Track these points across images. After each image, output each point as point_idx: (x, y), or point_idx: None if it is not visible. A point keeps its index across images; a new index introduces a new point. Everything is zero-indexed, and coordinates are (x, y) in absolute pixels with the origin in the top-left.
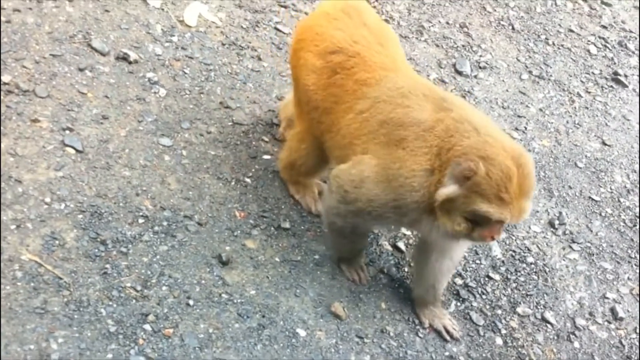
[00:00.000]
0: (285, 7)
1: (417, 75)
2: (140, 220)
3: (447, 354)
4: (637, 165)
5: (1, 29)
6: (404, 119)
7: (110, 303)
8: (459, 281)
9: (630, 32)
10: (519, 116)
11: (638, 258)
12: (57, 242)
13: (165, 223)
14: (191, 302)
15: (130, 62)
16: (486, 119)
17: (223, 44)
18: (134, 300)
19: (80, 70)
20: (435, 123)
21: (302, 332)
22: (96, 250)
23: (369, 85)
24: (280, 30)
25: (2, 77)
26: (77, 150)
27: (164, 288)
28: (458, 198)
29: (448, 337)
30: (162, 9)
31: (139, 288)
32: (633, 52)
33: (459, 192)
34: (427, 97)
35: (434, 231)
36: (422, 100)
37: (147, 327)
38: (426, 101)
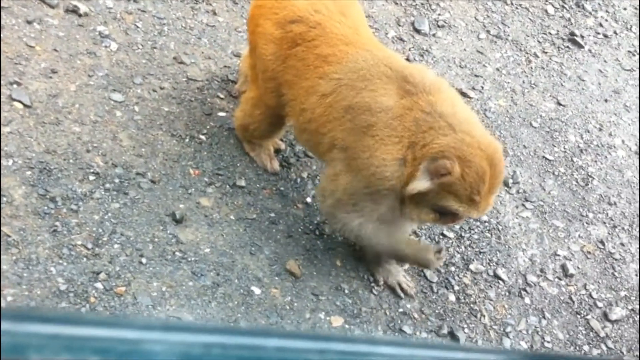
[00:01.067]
0: None
1: (380, 46)
2: (91, 177)
3: (400, 310)
4: (590, 126)
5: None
6: (370, 103)
7: (61, 261)
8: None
9: None
10: (475, 75)
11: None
12: (4, 199)
13: (117, 180)
14: (144, 261)
15: (80, 15)
16: (453, 104)
17: None
18: (84, 259)
19: (28, 22)
20: (402, 111)
21: (257, 290)
22: (45, 207)
23: (330, 64)
24: None
25: None
26: (25, 105)
27: (115, 246)
28: (429, 192)
29: (402, 294)
30: None
31: (90, 246)
32: (590, 13)
33: (431, 187)
34: (389, 78)
35: (404, 216)
36: (386, 83)
37: (99, 285)
38: (390, 83)
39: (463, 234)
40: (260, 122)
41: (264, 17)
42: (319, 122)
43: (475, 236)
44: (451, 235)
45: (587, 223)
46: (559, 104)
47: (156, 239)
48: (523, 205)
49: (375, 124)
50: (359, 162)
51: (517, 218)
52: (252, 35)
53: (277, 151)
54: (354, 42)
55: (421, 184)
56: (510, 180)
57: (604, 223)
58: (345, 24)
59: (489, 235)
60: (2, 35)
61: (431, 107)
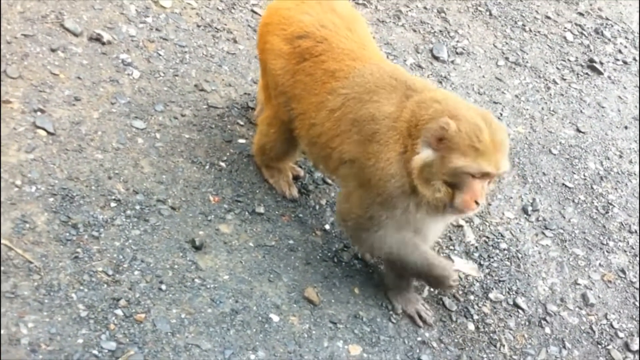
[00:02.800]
0: None
1: (385, 60)
2: (113, 204)
3: (419, 339)
4: (611, 153)
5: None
6: (375, 113)
7: (82, 287)
8: None
9: (607, 19)
10: (494, 102)
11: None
12: (27, 225)
13: (137, 207)
14: (163, 287)
15: (103, 43)
16: (447, 93)
17: (198, 26)
18: (105, 285)
19: (53, 50)
20: (402, 111)
21: (275, 318)
22: (67, 234)
23: (337, 79)
24: (256, 13)
25: None
26: (48, 132)
27: (136, 272)
28: (434, 162)
29: (421, 323)
30: None
31: (110, 272)
32: (609, 40)
33: (434, 156)
34: (394, 87)
35: (420, 211)
36: (390, 92)
37: (119, 312)
38: (394, 92)
39: (482, 262)
40: (275, 141)
41: (272, 34)
42: (328, 135)
43: (495, 264)
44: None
45: (607, 251)
46: (578, 130)
47: (176, 266)
48: (543, 233)
49: (379, 131)
50: (367, 172)
51: (536, 246)
52: (262, 54)
53: (296, 178)
54: (360, 57)
55: (424, 154)
56: (530, 208)
57: (625, 251)
58: (352, 39)
59: (508, 263)
60: (26, 62)
61: (427, 98)
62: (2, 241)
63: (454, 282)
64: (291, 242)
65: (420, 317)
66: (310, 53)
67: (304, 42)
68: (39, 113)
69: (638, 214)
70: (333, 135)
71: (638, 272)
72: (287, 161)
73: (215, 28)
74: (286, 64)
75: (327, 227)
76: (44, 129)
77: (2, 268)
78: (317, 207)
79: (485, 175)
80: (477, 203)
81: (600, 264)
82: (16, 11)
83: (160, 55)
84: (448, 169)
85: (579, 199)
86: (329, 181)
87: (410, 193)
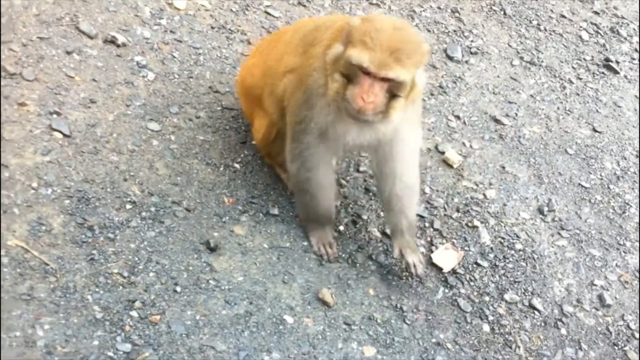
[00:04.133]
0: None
1: None
2: (128, 206)
3: (434, 340)
4: (627, 152)
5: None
6: (318, 24)
7: (97, 289)
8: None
9: (623, 18)
10: (509, 102)
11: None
12: (43, 227)
13: (153, 209)
14: (178, 289)
15: (118, 46)
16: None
17: (212, 28)
18: (120, 287)
19: (68, 53)
20: (339, 25)
21: (289, 319)
22: (83, 236)
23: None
24: (270, 14)
25: None
26: (64, 135)
27: (151, 274)
28: (339, 57)
29: (413, 272)
30: None
31: (125, 274)
32: (625, 39)
33: (341, 50)
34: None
35: (330, 113)
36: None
37: (134, 313)
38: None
39: (498, 263)
40: (279, 140)
41: (254, 68)
42: (279, 61)
43: (510, 265)
44: (485, 264)
45: (624, 252)
46: (594, 130)
47: (190, 267)
48: (559, 233)
49: (318, 36)
50: (301, 72)
51: (552, 247)
52: (248, 90)
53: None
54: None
55: (335, 49)
56: (546, 208)
57: None
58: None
59: (524, 264)
60: (42, 65)
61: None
62: (18, 243)
63: (316, 247)
64: (305, 243)
65: (415, 267)
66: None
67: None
68: (54, 115)
69: None
70: (283, 55)
71: None
72: None
73: (229, 29)
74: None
75: (342, 228)
76: (59, 131)
77: (18, 270)
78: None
79: (369, 73)
80: (364, 100)
81: (617, 265)
82: (31, 14)
83: (174, 57)
84: (343, 60)
85: (596, 199)
86: (343, 182)
87: (325, 90)
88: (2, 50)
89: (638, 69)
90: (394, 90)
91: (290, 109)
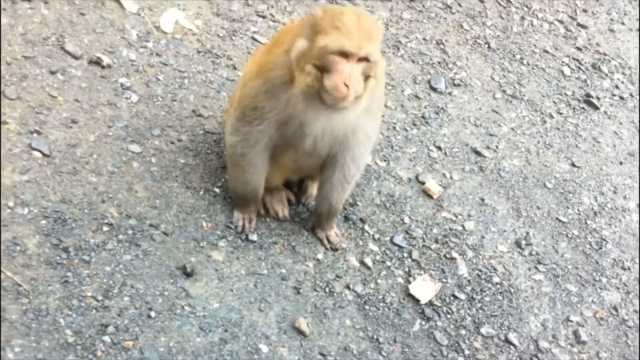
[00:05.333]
0: (263, 17)
1: None
2: (105, 228)
3: None
4: (605, 188)
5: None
6: (285, 28)
7: (70, 313)
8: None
9: (604, 54)
10: (490, 135)
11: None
12: (18, 247)
13: (130, 231)
14: (153, 314)
15: (103, 67)
16: None
17: (199, 52)
18: (94, 311)
19: (52, 73)
20: (299, 22)
21: (264, 348)
22: (58, 257)
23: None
24: (257, 40)
25: None
26: (44, 154)
27: (125, 299)
28: (306, 49)
29: (327, 245)
30: (139, 14)
31: (99, 298)
32: (606, 75)
33: (307, 43)
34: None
35: (300, 102)
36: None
37: (107, 338)
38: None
39: (475, 296)
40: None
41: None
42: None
43: (487, 298)
44: (463, 297)
45: (600, 288)
46: (573, 165)
47: (166, 292)
48: (536, 267)
49: (279, 38)
50: (262, 65)
51: (529, 281)
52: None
53: (288, 203)
54: None
55: (299, 44)
56: (523, 242)
57: (618, 288)
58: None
59: (500, 297)
60: (25, 84)
61: None
62: None
63: (234, 222)
64: (283, 270)
65: (329, 241)
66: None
67: None
68: (35, 135)
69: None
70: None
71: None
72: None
73: (216, 54)
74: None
75: (320, 256)
76: (39, 150)
77: None
78: (310, 236)
79: (348, 55)
80: (346, 86)
81: (592, 301)
82: (18, 32)
83: (159, 80)
84: (315, 51)
85: (573, 234)
86: None
87: (291, 83)
88: None
89: (619, 105)
90: (367, 71)
91: (245, 93)
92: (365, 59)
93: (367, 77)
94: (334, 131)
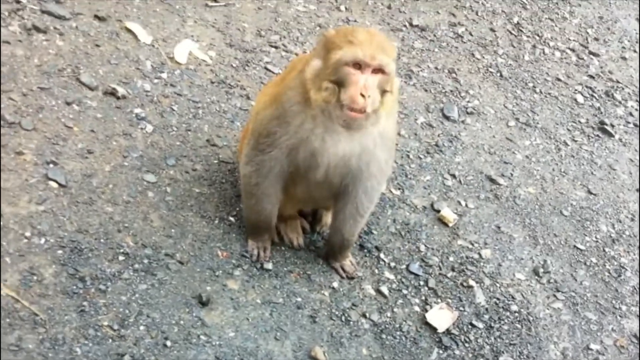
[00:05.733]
0: (276, 47)
1: None
2: (121, 258)
3: None
4: (622, 215)
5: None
6: (298, 58)
7: (86, 342)
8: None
9: (617, 82)
10: (505, 162)
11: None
12: (35, 277)
13: (145, 261)
14: (168, 343)
15: (118, 98)
16: None
17: (212, 82)
18: (110, 340)
19: (68, 104)
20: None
21: None
22: (74, 287)
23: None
24: (270, 70)
25: None
26: (60, 185)
27: (141, 328)
28: (321, 67)
29: (343, 274)
30: (153, 46)
31: (116, 327)
32: (620, 102)
33: (321, 62)
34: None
35: (317, 126)
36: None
37: None
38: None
39: (493, 324)
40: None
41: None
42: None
43: (506, 327)
44: (481, 325)
45: (620, 316)
46: (589, 192)
47: (182, 322)
48: (554, 295)
49: (294, 66)
50: (275, 94)
51: (548, 309)
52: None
53: (303, 231)
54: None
55: (314, 63)
56: (541, 270)
57: (638, 316)
58: None
59: (519, 326)
60: (41, 115)
61: None
62: (9, 293)
63: (249, 250)
64: (299, 299)
65: (344, 270)
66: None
67: None
68: (51, 165)
69: None
70: (266, 89)
71: None
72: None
73: (229, 84)
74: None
75: (335, 285)
76: (55, 181)
77: (7, 320)
78: (325, 264)
79: (362, 66)
80: (363, 96)
81: (612, 329)
82: (33, 64)
83: (173, 110)
84: (329, 67)
85: (591, 261)
86: None
87: (305, 105)
88: (2, 99)
89: (634, 132)
90: (383, 84)
91: (258, 122)
92: (380, 71)
93: (383, 92)
94: (348, 160)
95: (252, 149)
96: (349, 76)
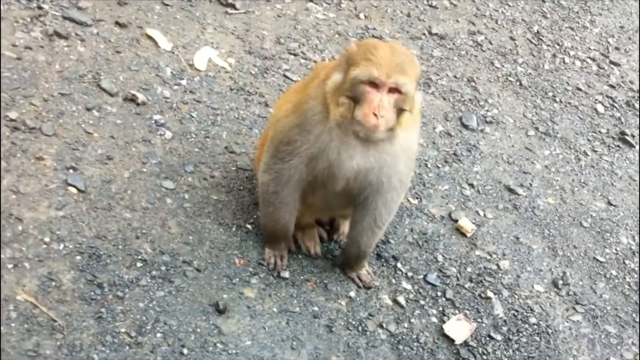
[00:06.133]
0: (295, 55)
1: None
2: (139, 264)
3: None
4: None
5: (1, 63)
6: (320, 65)
7: (103, 349)
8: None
9: (639, 92)
10: (524, 172)
11: None
12: (53, 283)
13: (163, 268)
14: (185, 351)
15: (138, 104)
16: None
17: (231, 89)
18: (127, 347)
19: (88, 109)
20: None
21: None
22: (92, 293)
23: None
24: (288, 78)
25: (9, 114)
26: (79, 190)
27: (158, 335)
28: (341, 81)
29: (359, 283)
30: (173, 53)
31: (133, 334)
32: None
33: (342, 76)
34: None
35: (334, 139)
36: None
37: None
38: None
39: (511, 337)
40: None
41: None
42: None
43: (524, 339)
44: (499, 337)
45: None
46: (609, 203)
47: (198, 329)
48: (574, 308)
49: (312, 81)
50: (297, 102)
51: (567, 322)
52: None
53: (320, 240)
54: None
55: (335, 77)
56: (561, 282)
57: None
58: None
59: (538, 339)
60: (61, 120)
61: None
62: (28, 298)
63: (266, 259)
64: (315, 308)
65: (360, 279)
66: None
67: None
68: (71, 171)
69: None
70: (288, 96)
71: None
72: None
73: (248, 92)
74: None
75: (352, 294)
76: (75, 186)
77: (25, 326)
78: (342, 273)
79: (378, 85)
80: (376, 115)
81: (633, 342)
82: (54, 70)
83: (192, 117)
84: (347, 82)
85: (611, 274)
86: None
87: (324, 117)
88: (23, 104)
89: None
90: (400, 103)
91: (278, 129)
92: (396, 90)
93: (400, 111)
94: (366, 174)
95: (271, 156)
96: (365, 94)
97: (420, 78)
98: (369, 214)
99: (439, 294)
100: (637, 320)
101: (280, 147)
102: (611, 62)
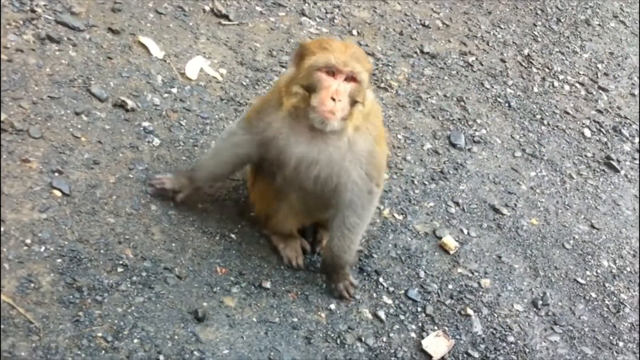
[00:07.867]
0: (286, 68)
1: None
2: (119, 269)
3: None
4: (624, 251)
5: (1, 67)
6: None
7: (79, 352)
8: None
9: (626, 118)
10: (509, 192)
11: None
12: (32, 285)
13: (144, 274)
14: (161, 358)
15: (127, 110)
16: None
17: (222, 99)
18: (103, 351)
19: (77, 114)
20: None
21: None
22: (71, 296)
23: None
24: None
25: None
26: (63, 193)
27: (135, 341)
28: (294, 75)
29: (336, 295)
30: (165, 61)
31: (109, 339)
32: (627, 138)
33: (295, 69)
34: None
35: (285, 127)
36: None
37: None
38: None
39: (489, 355)
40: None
41: None
42: None
43: (501, 358)
44: (476, 355)
45: (616, 352)
46: (592, 227)
47: (176, 337)
48: (552, 328)
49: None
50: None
51: (545, 342)
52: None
53: (303, 252)
54: None
55: (288, 71)
56: (540, 302)
57: (635, 353)
58: None
59: (515, 357)
60: (49, 124)
61: None
62: (5, 299)
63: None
64: (295, 319)
65: (343, 293)
66: None
67: None
68: (56, 174)
69: None
70: None
71: None
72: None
73: (238, 102)
74: None
75: (333, 306)
76: (59, 189)
77: (2, 327)
78: (324, 285)
79: (334, 72)
80: (333, 100)
81: None
82: (45, 73)
83: (181, 125)
84: (302, 72)
85: (591, 296)
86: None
87: (278, 108)
88: (12, 106)
89: (638, 169)
90: (354, 94)
91: (247, 114)
92: (352, 79)
93: (354, 103)
94: (310, 164)
95: (237, 124)
96: (321, 81)
97: (410, 96)
98: (338, 215)
99: (419, 309)
100: (614, 342)
101: (241, 123)
102: (600, 88)
